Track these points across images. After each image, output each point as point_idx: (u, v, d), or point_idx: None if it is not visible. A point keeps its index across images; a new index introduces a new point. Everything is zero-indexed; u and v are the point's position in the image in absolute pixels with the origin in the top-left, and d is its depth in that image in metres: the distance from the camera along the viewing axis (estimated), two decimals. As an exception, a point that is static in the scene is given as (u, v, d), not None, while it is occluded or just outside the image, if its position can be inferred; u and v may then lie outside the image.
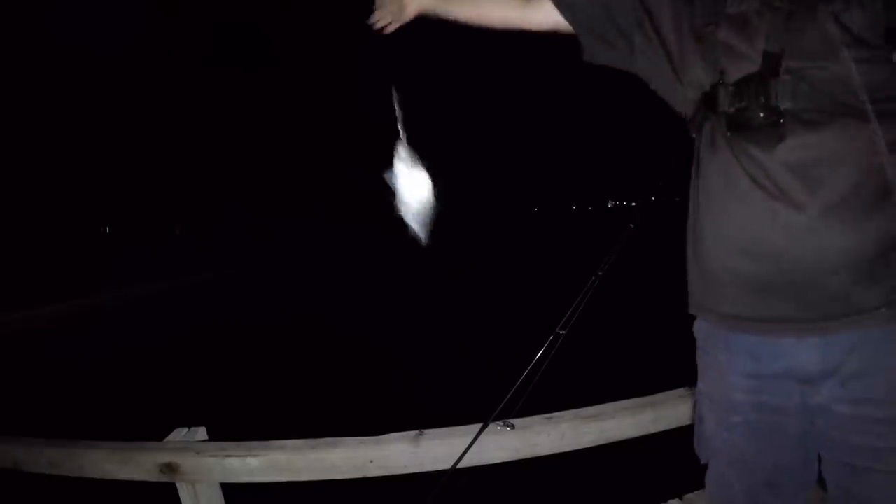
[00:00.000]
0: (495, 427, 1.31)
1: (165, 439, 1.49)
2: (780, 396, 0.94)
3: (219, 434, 1.54)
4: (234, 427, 1.67)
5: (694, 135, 1.04)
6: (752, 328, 0.95)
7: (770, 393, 0.95)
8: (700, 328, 1.07)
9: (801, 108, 0.85)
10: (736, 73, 0.91)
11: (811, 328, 0.88)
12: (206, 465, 1.38)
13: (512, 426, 1.35)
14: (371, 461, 1.36)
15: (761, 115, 0.87)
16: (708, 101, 0.96)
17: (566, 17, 1.12)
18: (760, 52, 0.89)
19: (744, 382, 0.97)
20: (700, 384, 1.08)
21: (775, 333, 0.92)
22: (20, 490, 2.18)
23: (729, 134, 0.93)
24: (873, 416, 0.85)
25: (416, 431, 1.38)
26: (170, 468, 1.37)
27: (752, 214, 0.90)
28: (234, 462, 1.37)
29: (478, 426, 1.26)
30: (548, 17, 1.13)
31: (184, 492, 1.41)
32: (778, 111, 0.86)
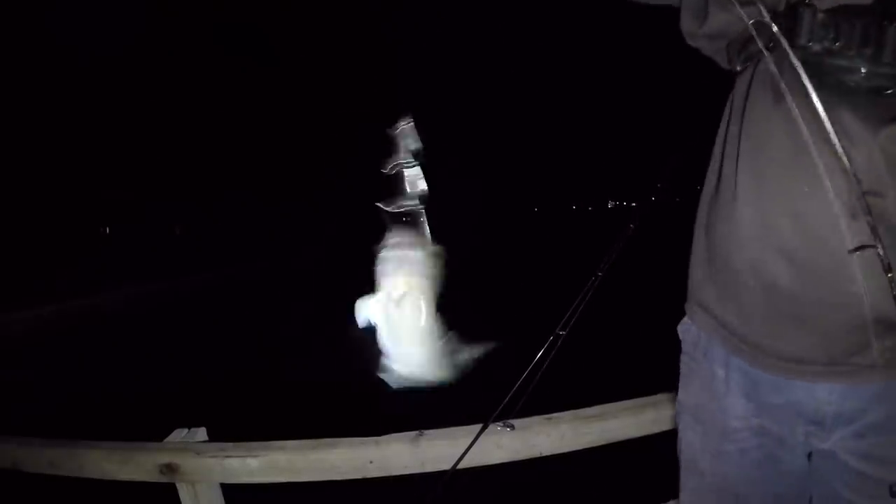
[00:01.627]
0: (495, 427, 1.31)
1: (165, 439, 1.49)
2: (783, 427, 0.77)
3: (219, 434, 1.54)
4: (234, 427, 1.67)
5: (738, 67, 0.75)
6: (749, 357, 0.76)
7: (771, 420, 0.78)
8: (688, 330, 0.88)
9: None
10: None
11: (840, 372, 0.69)
12: (206, 465, 1.38)
13: (512, 426, 1.35)
14: (371, 461, 1.36)
15: (863, 70, 0.60)
16: (781, 24, 0.64)
17: None
18: None
19: (742, 406, 0.80)
20: (681, 395, 0.90)
21: (787, 373, 0.73)
22: (20, 490, 2.18)
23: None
24: (885, 479, 0.69)
25: (416, 431, 1.38)
26: (170, 468, 1.37)
27: (820, 207, 0.64)
28: (234, 462, 1.37)
29: (478, 426, 1.26)
30: None
31: (184, 492, 1.41)
32: (892, 75, 0.59)
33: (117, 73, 17.72)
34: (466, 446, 1.22)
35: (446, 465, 1.26)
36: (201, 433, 1.52)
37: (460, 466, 1.23)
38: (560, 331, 1.16)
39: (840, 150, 0.61)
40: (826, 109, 0.61)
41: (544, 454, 1.38)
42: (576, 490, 3.21)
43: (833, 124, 0.61)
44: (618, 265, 1.16)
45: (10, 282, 11.78)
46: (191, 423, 1.55)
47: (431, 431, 1.38)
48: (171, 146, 19.69)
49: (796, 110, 0.65)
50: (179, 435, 1.51)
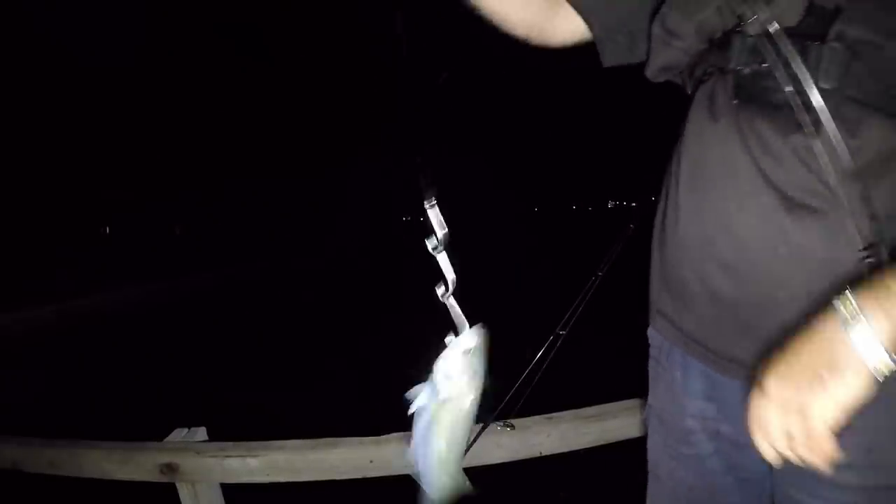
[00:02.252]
0: (495, 427, 1.31)
1: (165, 439, 1.49)
2: (740, 429, 0.75)
3: (219, 434, 1.54)
4: (234, 427, 1.67)
5: (689, 90, 0.79)
6: (712, 363, 0.77)
7: (729, 422, 0.79)
8: (654, 335, 0.91)
9: (846, 95, 0.61)
10: (765, 21, 0.65)
11: None
12: (206, 465, 1.38)
13: (512, 426, 1.35)
14: (371, 461, 1.36)
15: (788, 88, 0.62)
16: (717, 52, 0.70)
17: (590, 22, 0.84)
18: (805, 2, 0.63)
19: (700, 406, 0.81)
20: (650, 398, 0.93)
21: (737, 376, 0.75)
22: (20, 490, 2.18)
23: (736, 102, 0.69)
24: (840, 483, 0.68)
25: (417, 431, 1.38)
26: (170, 468, 1.37)
27: (750, 221, 0.69)
28: (234, 462, 1.37)
29: (478, 426, 1.26)
30: (575, 29, 0.86)
31: (184, 492, 1.41)
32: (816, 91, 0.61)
33: (116, 73, 17.73)
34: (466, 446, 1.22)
35: (446, 465, 1.26)
36: (201, 433, 1.52)
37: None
38: (560, 331, 1.16)
39: (766, 167, 0.66)
40: (751, 128, 0.67)
41: (544, 454, 1.38)
42: (576, 490, 3.21)
43: (759, 142, 0.67)
44: (618, 265, 1.16)
45: (10, 282, 11.79)
46: (191, 423, 1.55)
47: (431, 431, 1.38)
48: (171, 145, 19.69)
49: (725, 126, 0.70)
50: (179, 435, 1.51)
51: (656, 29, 0.76)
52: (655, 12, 0.78)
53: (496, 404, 1.22)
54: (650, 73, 0.82)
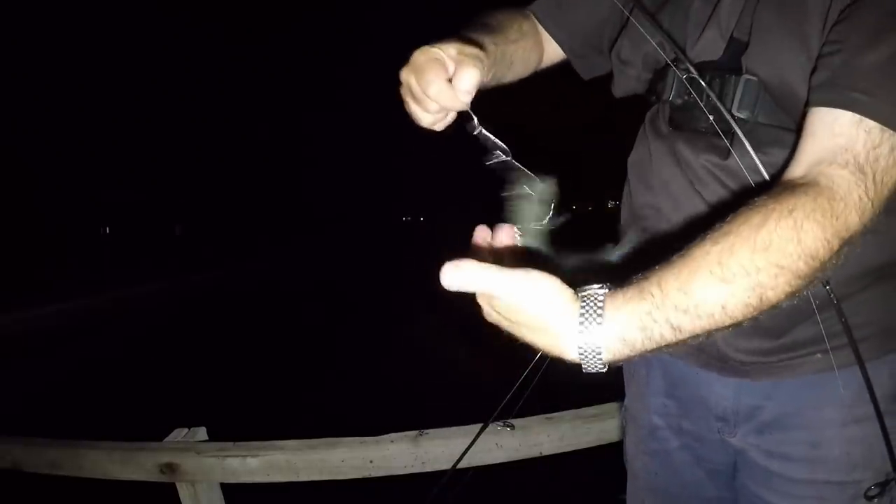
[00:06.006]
0: (495, 427, 1.31)
1: (165, 439, 1.49)
2: (700, 425, 0.83)
3: (219, 434, 1.54)
4: (234, 427, 1.67)
5: (650, 100, 0.87)
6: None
7: (690, 419, 0.84)
8: None
9: (758, 122, 0.67)
10: (694, 55, 0.71)
11: (726, 368, 0.75)
12: (206, 465, 1.38)
13: (512, 426, 1.35)
14: (371, 461, 1.36)
15: (711, 118, 0.67)
16: (659, 82, 0.76)
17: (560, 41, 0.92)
18: (728, 36, 0.68)
19: (662, 403, 0.87)
20: (626, 399, 0.99)
21: (685, 360, 0.80)
22: (21, 490, 2.18)
23: (669, 129, 0.77)
24: (791, 477, 0.73)
25: (416, 431, 1.39)
26: (170, 468, 1.37)
27: (685, 218, 0.76)
28: (234, 462, 1.37)
29: (478, 426, 1.26)
30: (558, 49, 0.92)
31: (184, 492, 1.41)
32: (735, 118, 0.66)
33: (118, 74, 17.73)
34: (466, 446, 1.22)
35: (446, 465, 1.26)
36: (201, 433, 1.53)
37: (460, 466, 1.23)
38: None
39: (693, 182, 0.74)
40: (678, 151, 0.76)
41: (544, 454, 1.38)
42: (576, 490, 3.22)
43: (684, 163, 0.75)
44: (617, 265, 1.16)
45: (10, 282, 11.80)
46: (191, 423, 1.55)
47: (431, 431, 1.39)
48: (172, 146, 19.70)
49: (663, 143, 0.79)
50: (179, 435, 1.51)
51: (614, 58, 0.85)
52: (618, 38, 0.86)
53: (496, 404, 1.22)
54: (615, 94, 0.90)
